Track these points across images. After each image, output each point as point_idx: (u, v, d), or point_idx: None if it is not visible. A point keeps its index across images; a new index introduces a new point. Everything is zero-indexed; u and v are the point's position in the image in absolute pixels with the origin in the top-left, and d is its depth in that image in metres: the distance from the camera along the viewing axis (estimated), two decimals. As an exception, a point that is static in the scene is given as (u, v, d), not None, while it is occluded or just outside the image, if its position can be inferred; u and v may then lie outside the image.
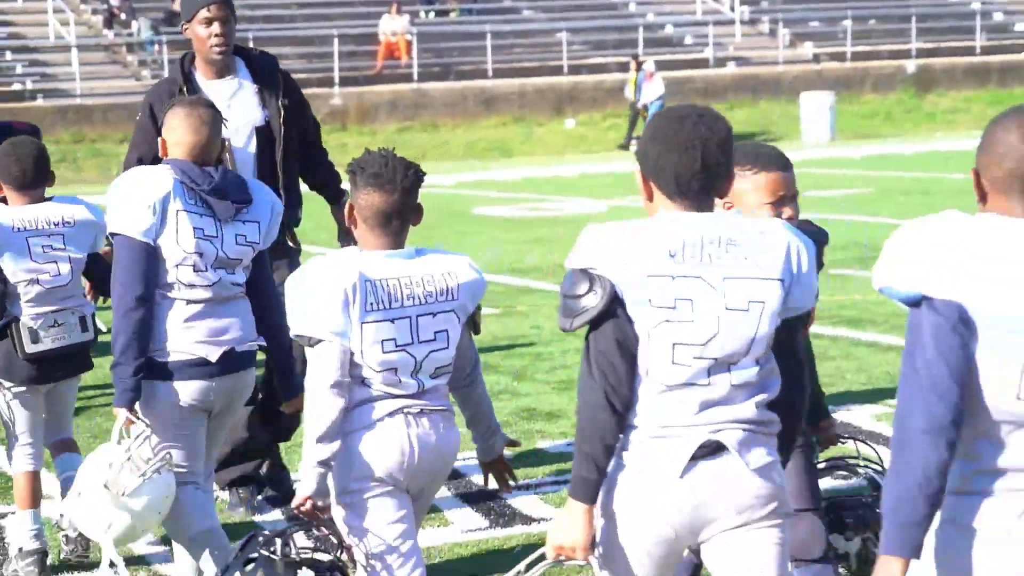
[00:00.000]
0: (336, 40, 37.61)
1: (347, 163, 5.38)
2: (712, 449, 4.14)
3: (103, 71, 37.34)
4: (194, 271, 6.18)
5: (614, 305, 4.07)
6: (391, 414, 5.15)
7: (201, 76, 7.62)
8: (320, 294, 5.06)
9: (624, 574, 4.29)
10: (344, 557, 5.23)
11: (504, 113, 37.45)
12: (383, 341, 5.07)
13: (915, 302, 3.56)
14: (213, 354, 6.25)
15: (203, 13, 7.42)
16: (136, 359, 6.09)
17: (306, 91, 30.27)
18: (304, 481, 5.10)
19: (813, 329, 5.85)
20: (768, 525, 4.27)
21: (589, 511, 4.17)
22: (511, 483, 5.75)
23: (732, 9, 43.16)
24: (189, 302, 6.23)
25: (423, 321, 5.16)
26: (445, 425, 5.29)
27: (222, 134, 6.48)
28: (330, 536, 5.19)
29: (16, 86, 35.50)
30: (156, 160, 6.76)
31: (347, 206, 5.25)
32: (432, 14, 41.07)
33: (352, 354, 5.06)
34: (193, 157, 6.16)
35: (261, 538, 5.27)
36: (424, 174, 5.36)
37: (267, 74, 7.76)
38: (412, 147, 34.77)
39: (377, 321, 5.05)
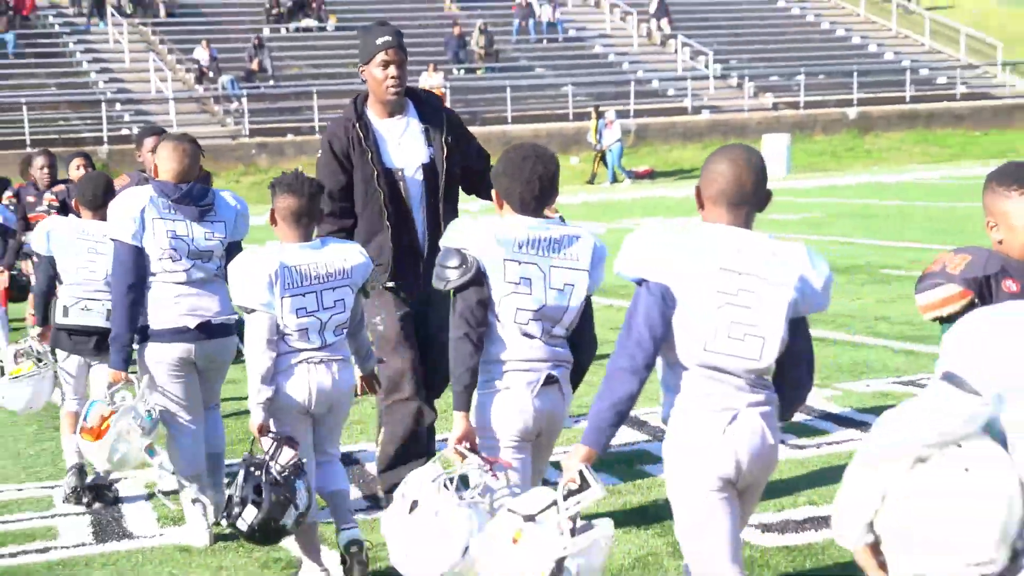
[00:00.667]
0: (384, 93, 37.88)
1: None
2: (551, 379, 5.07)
3: (195, 119, 37.34)
4: (172, 261, 6.80)
5: (479, 275, 4.93)
6: (299, 363, 5.94)
7: (373, 114, 7.03)
8: (252, 277, 5.84)
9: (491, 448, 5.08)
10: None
11: (521, 152, 37.85)
12: (297, 310, 5.85)
13: (638, 282, 4.30)
14: (192, 323, 6.87)
15: (380, 56, 6.85)
16: (128, 331, 6.82)
17: None
18: (253, 414, 5.87)
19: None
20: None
21: (465, 415, 4.97)
22: (377, 388, 6.71)
23: (707, 66, 43.33)
24: (173, 284, 6.86)
25: (326, 294, 5.94)
26: (340, 368, 6.08)
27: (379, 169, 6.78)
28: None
29: (124, 131, 35.41)
30: (345, 190, 6.97)
31: (269, 211, 5.97)
32: (462, 71, 41.29)
33: (276, 319, 5.86)
34: (175, 180, 6.85)
35: (253, 467, 5.82)
36: (324, 187, 6.30)
37: (432, 113, 7.15)
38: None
39: (293, 295, 5.83)
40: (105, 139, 34.61)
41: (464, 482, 4.92)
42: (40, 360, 8.34)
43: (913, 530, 3.17)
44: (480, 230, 5.03)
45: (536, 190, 5.01)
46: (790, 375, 4.43)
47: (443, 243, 5.10)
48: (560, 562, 4.06)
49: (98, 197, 7.82)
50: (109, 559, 6.81)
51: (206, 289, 6.97)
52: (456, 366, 5.00)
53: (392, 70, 6.83)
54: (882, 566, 3.30)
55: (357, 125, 6.89)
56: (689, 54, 44.51)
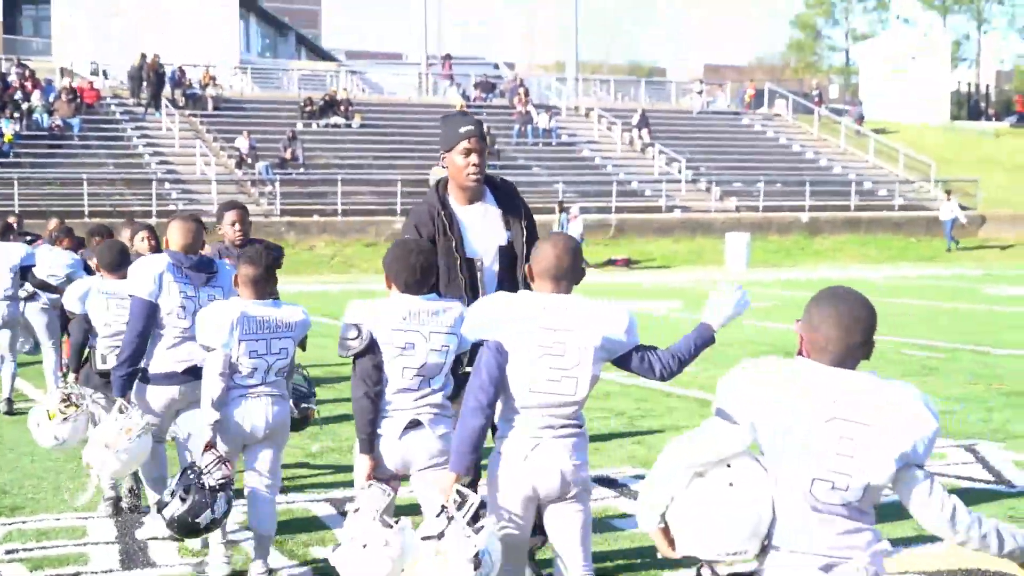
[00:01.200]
0: (399, 182, 38.18)
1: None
2: (416, 423, 5.49)
3: (233, 199, 37.36)
4: (178, 318, 7.22)
5: (372, 344, 5.40)
6: (244, 396, 6.50)
7: (455, 201, 6.39)
8: (217, 321, 6.38)
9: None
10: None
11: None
12: (250, 352, 6.41)
13: (479, 342, 4.97)
14: (180, 368, 7.30)
15: (463, 144, 6.30)
16: (130, 368, 7.24)
17: (374, 218, 31.48)
18: (205, 434, 6.41)
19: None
20: (439, 468, 5.37)
21: (370, 456, 5.45)
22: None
23: (679, 172, 43.61)
24: (173, 336, 7.28)
25: (274, 342, 6.50)
26: (276, 402, 6.61)
27: (436, 253, 5.93)
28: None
29: (171, 207, 35.34)
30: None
31: (233, 276, 6.66)
32: (467, 167, 41.37)
33: (230, 358, 6.39)
34: (183, 250, 7.34)
35: (190, 471, 6.30)
36: (281, 258, 6.97)
37: (510, 199, 6.55)
38: (450, 261, 35.38)
39: (247, 340, 6.38)
40: (153, 213, 34.60)
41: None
42: (78, 403, 8.24)
43: (691, 524, 3.94)
44: (372, 307, 5.53)
45: (417, 275, 5.50)
46: (648, 367, 4.95)
47: (343, 320, 5.54)
48: (477, 556, 4.55)
49: (115, 262, 8.24)
50: (133, 585, 6.69)
51: (195, 342, 7.11)
52: (359, 419, 5.45)
53: (474, 158, 6.32)
54: (671, 543, 4.04)
55: (443, 213, 6.32)
56: (664, 161, 44.73)
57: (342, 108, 43.97)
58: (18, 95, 39.94)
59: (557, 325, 4.81)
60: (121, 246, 8.54)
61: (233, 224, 8.48)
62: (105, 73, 45.11)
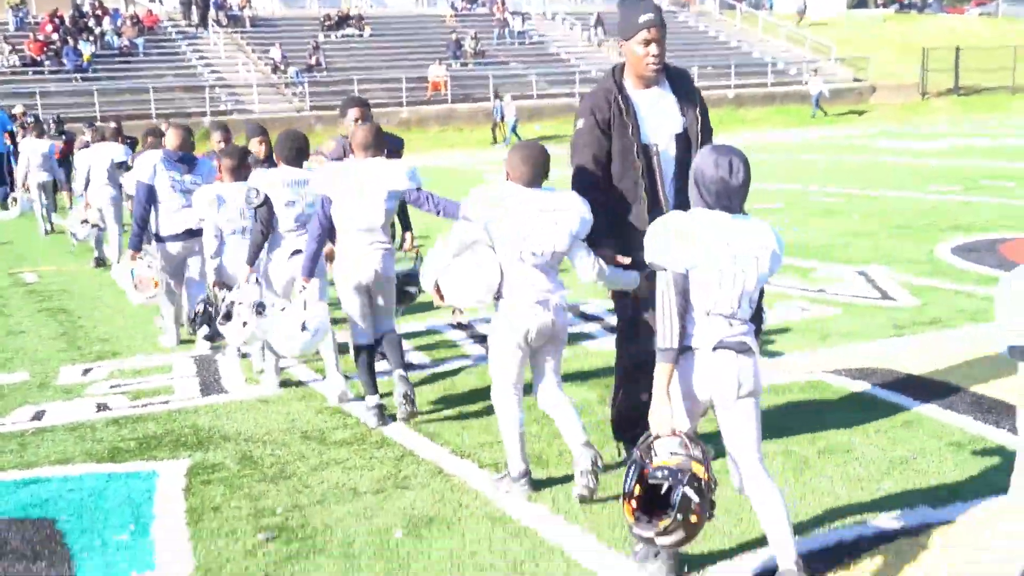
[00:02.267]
0: (403, 79, 37.85)
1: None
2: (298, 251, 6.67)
3: (270, 99, 36.91)
4: (170, 192, 8.34)
5: (267, 199, 6.73)
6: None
7: (631, 86, 5.12)
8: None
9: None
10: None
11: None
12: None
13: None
14: (180, 228, 8.34)
15: (643, 34, 4.99)
16: (141, 229, 8.39)
17: (385, 109, 30.65)
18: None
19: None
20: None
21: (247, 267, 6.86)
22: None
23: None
24: (171, 207, 8.35)
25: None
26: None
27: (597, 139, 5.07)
28: None
29: (221, 107, 35.31)
30: (607, 157, 5.09)
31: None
32: (458, 65, 40.80)
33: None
34: (177, 149, 8.39)
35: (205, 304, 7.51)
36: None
37: (685, 87, 5.22)
38: (446, 141, 35.32)
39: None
40: (207, 113, 34.33)
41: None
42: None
43: (452, 283, 5.05)
44: (265, 176, 6.87)
45: (292, 151, 6.92)
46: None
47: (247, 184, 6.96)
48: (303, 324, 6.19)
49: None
50: (211, 408, 6.81)
51: (189, 210, 8.19)
52: (251, 248, 6.85)
53: (653, 48, 5.01)
54: (441, 296, 5.10)
55: (619, 98, 5.08)
56: (617, 53, 44.05)
57: (354, 21, 43.29)
58: (92, 22, 39.31)
59: (542, 207, 4.96)
60: (243, 150, 7.78)
61: (356, 120, 6.92)
62: (161, 0, 44.21)
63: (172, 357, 8.25)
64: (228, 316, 6.70)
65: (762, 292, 4.09)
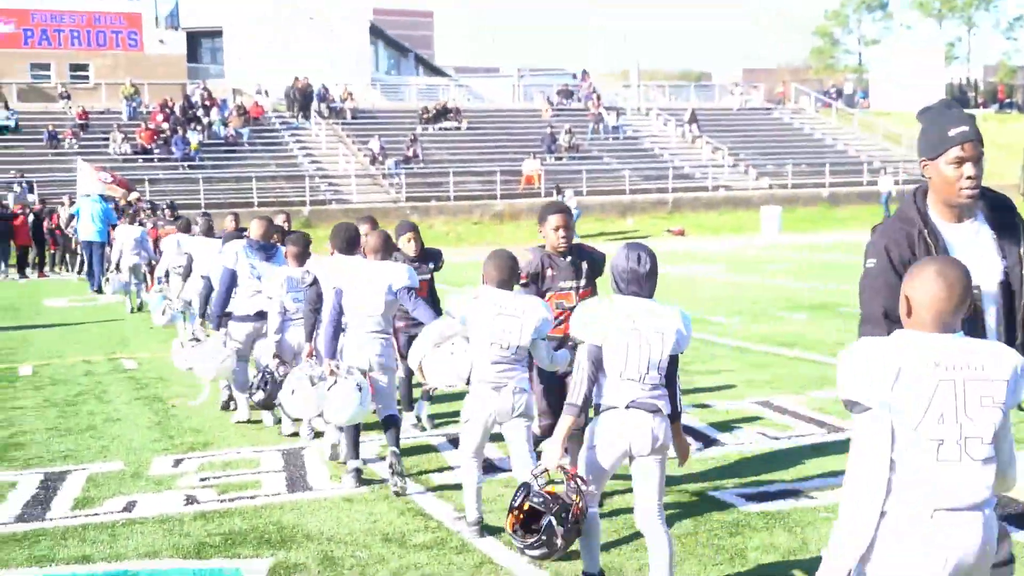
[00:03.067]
0: (498, 172, 38.24)
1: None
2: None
3: (368, 189, 37.67)
4: (248, 279, 8.97)
5: (315, 280, 7.75)
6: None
7: (938, 217, 3.93)
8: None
9: None
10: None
11: (592, 217, 38.00)
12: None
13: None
14: (254, 311, 9.03)
15: (955, 152, 3.83)
16: (219, 314, 9.17)
17: (479, 201, 30.94)
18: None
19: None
20: None
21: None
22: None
23: (723, 158, 43.26)
24: (247, 292, 9.02)
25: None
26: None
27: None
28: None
29: (320, 196, 36.10)
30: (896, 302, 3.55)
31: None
32: (552, 159, 41.31)
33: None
34: (259, 238, 9.16)
35: (265, 372, 8.53)
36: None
37: (1006, 218, 4.01)
38: (536, 233, 35.42)
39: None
40: (307, 202, 35.08)
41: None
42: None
43: (432, 367, 6.17)
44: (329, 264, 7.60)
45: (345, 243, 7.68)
46: None
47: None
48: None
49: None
50: (296, 505, 6.87)
51: (262, 296, 8.89)
52: (306, 325, 7.85)
53: (968, 168, 3.84)
54: (423, 375, 6.25)
55: (925, 233, 3.90)
56: (711, 149, 44.29)
57: (452, 114, 44.11)
58: (200, 112, 40.62)
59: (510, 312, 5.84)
60: (305, 238, 8.95)
61: (556, 229, 6.36)
62: (267, 92, 45.62)
63: (261, 452, 8.35)
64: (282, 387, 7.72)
65: (676, 363, 4.78)
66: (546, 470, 4.68)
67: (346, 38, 53.56)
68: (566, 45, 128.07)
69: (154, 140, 37.87)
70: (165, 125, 38.74)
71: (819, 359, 11.70)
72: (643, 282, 4.70)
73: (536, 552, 4.61)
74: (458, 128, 43.63)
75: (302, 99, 42.68)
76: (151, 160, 37.10)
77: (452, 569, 5.59)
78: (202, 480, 7.53)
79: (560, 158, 41.49)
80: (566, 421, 4.66)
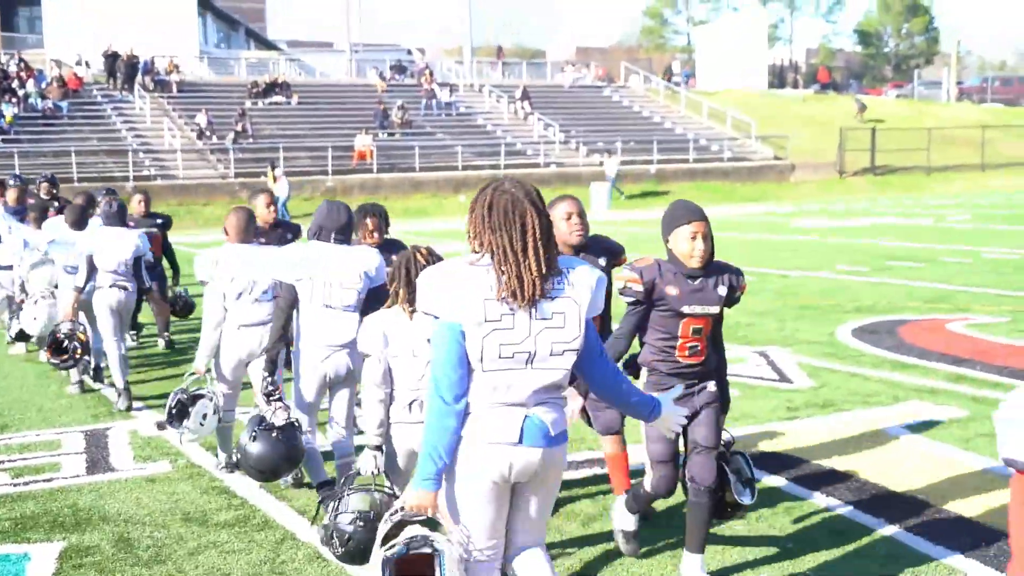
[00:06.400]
0: (329, 148, 37.83)
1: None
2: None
3: (195, 165, 36.75)
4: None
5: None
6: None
7: None
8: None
9: None
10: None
11: (425, 192, 37.89)
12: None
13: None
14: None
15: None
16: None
17: (309, 178, 30.61)
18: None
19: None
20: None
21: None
22: None
23: (554, 135, 43.67)
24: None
25: None
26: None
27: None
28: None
29: (145, 172, 35.05)
30: None
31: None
32: (385, 135, 41.09)
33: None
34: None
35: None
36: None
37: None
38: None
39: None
40: (131, 178, 33.98)
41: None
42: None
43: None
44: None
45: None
46: None
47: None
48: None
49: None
50: (95, 487, 6.63)
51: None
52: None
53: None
54: None
55: None
56: (542, 126, 44.60)
57: (281, 88, 43.31)
58: (15, 83, 38.87)
59: None
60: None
61: (569, 216, 5.51)
62: (88, 64, 43.91)
63: (62, 433, 8.03)
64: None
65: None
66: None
67: (172, 9, 51.85)
68: (404, 21, 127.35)
69: (-36, 112, 36.08)
70: (-24, 96, 36.96)
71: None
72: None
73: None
74: (288, 103, 42.87)
75: (127, 71, 41.22)
76: (-39, 133, 35.38)
77: (252, 546, 5.49)
78: (-4, 464, 7.20)
79: (393, 134, 41.22)
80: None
